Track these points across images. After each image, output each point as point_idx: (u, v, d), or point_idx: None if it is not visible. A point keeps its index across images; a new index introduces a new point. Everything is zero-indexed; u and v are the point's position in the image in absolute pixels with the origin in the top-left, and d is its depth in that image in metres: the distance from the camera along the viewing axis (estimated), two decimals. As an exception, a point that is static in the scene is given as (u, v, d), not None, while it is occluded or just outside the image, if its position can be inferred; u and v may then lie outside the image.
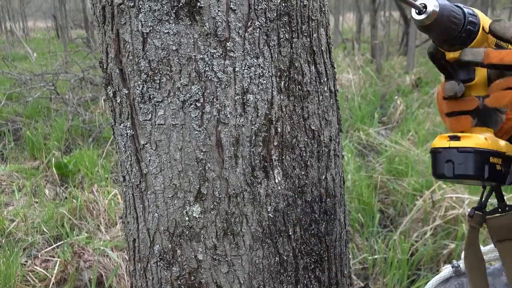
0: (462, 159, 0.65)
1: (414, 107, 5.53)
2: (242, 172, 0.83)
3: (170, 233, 0.87)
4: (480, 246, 0.82)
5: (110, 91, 0.88)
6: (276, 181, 0.86)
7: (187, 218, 0.85)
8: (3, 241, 2.48)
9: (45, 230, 2.65)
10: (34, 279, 2.16)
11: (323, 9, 0.90)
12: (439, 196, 2.77)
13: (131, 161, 0.88)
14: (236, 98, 0.80)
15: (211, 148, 0.81)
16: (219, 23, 0.77)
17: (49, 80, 5.43)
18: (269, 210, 0.86)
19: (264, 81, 0.81)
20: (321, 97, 0.90)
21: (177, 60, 0.78)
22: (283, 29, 0.82)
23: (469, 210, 2.47)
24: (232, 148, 0.82)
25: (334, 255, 0.98)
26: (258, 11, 0.78)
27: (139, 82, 0.81)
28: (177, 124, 0.81)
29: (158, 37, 0.78)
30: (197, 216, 0.85)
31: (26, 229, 2.65)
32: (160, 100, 0.80)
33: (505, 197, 0.71)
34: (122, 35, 0.80)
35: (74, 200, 2.87)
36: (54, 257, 2.33)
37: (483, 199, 0.73)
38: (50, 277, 2.14)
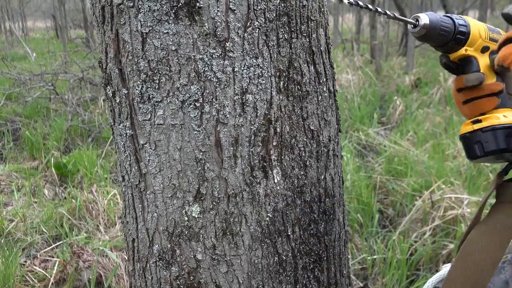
0: (487, 138, 0.73)
1: (414, 107, 5.53)
2: (241, 172, 0.83)
3: (169, 233, 0.87)
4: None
5: (109, 91, 0.88)
6: (275, 181, 0.86)
7: (186, 218, 0.85)
8: (2, 241, 2.48)
9: (44, 230, 2.65)
10: (33, 279, 2.16)
11: (322, 9, 0.90)
12: (438, 196, 2.77)
13: (130, 161, 0.88)
14: (235, 98, 0.80)
15: (210, 148, 0.81)
16: (218, 23, 0.77)
17: (48, 80, 5.43)
18: (268, 210, 0.86)
19: (263, 81, 0.81)
20: (320, 97, 0.91)
21: (177, 60, 0.78)
22: (282, 30, 0.82)
23: (468, 210, 2.46)
24: (231, 148, 0.82)
25: (333, 255, 0.99)
26: (258, 11, 0.78)
27: (139, 82, 0.81)
28: (176, 124, 0.81)
29: (157, 37, 0.78)
30: (196, 216, 0.85)
31: (25, 229, 2.65)
32: (159, 100, 0.81)
33: None
34: (122, 35, 0.81)
35: (73, 200, 2.87)
36: (53, 257, 2.33)
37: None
38: (49, 277, 2.14)
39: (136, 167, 0.87)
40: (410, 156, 3.54)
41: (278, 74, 0.83)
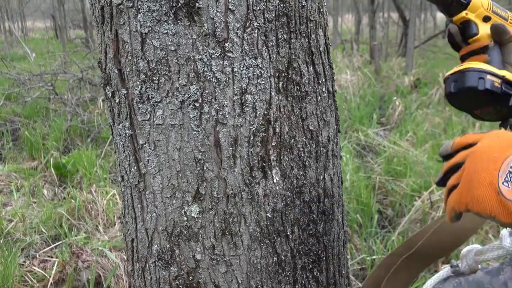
0: (462, 76, 0.78)
1: (413, 108, 5.53)
2: (240, 172, 0.83)
3: (168, 233, 0.87)
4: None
5: (108, 91, 0.88)
6: (274, 181, 0.86)
7: (185, 218, 0.85)
8: (1, 242, 2.48)
9: (43, 230, 2.64)
10: (32, 279, 2.16)
11: (322, 10, 0.90)
12: (437, 196, 2.77)
13: (129, 161, 0.88)
14: (234, 98, 0.80)
15: (209, 148, 0.81)
16: (217, 24, 0.77)
17: (47, 80, 5.42)
18: (267, 210, 0.86)
19: (263, 82, 0.81)
20: (319, 97, 0.91)
21: (176, 61, 0.78)
22: (281, 30, 0.82)
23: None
24: (231, 148, 0.82)
25: (332, 255, 0.99)
26: (257, 11, 0.79)
27: (138, 82, 0.81)
28: (176, 124, 0.81)
29: (157, 37, 0.78)
30: (195, 216, 0.85)
31: (24, 229, 2.64)
32: (158, 100, 0.81)
33: None
34: (121, 35, 0.81)
35: (72, 200, 2.86)
36: (52, 257, 2.33)
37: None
38: (48, 277, 2.14)
39: (135, 167, 0.87)
40: (409, 157, 3.54)
41: (277, 74, 0.83)
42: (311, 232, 0.93)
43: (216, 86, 0.79)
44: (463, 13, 0.81)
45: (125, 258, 2.09)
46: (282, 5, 0.81)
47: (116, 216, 2.76)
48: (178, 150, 0.82)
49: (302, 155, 0.89)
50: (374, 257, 2.40)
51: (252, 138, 0.83)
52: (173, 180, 0.84)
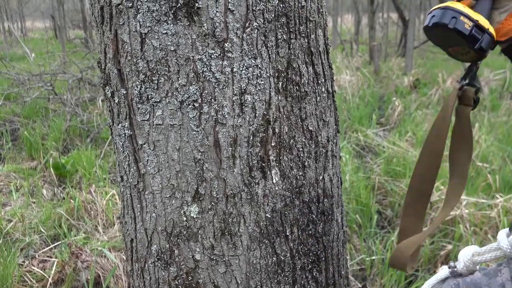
0: (439, 12, 0.83)
1: (412, 108, 5.54)
2: (239, 173, 0.83)
3: (167, 233, 0.87)
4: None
5: (108, 91, 0.88)
6: (274, 181, 0.86)
7: (184, 218, 0.85)
8: (1, 242, 2.48)
9: (42, 230, 2.64)
10: (32, 279, 2.16)
11: (321, 10, 0.90)
12: (436, 197, 2.78)
13: (129, 161, 0.88)
14: (234, 98, 0.80)
15: (209, 149, 0.81)
16: (217, 24, 0.77)
17: (47, 80, 5.42)
18: (266, 210, 0.86)
19: (262, 82, 0.81)
20: (318, 98, 0.91)
21: (175, 61, 0.78)
22: (281, 30, 0.82)
23: (466, 211, 2.46)
24: (230, 148, 0.82)
25: (331, 255, 0.99)
26: (256, 12, 0.79)
27: (137, 83, 0.81)
28: (175, 124, 0.81)
29: (156, 37, 0.78)
30: (194, 216, 0.85)
31: (23, 229, 2.64)
32: (158, 100, 0.81)
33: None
34: (121, 35, 0.81)
35: (71, 200, 2.86)
36: (51, 258, 2.33)
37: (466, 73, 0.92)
38: (48, 277, 2.13)
39: (134, 167, 0.87)
40: (408, 157, 3.54)
41: (276, 74, 0.83)
42: (310, 232, 0.93)
43: (216, 86, 0.79)
44: None
45: (125, 258, 2.09)
46: (281, 5, 0.81)
47: (116, 216, 2.76)
48: (177, 150, 0.82)
49: (302, 155, 0.89)
50: (373, 257, 2.40)
51: (251, 138, 0.83)
52: (173, 180, 0.84)
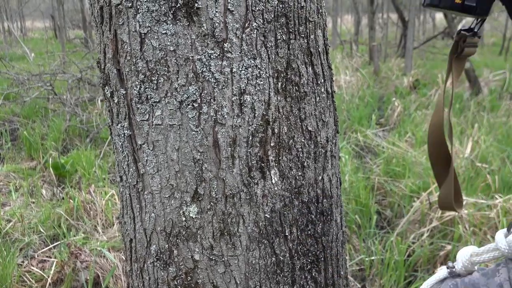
0: None
1: (412, 108, 5.54)
2: (239, 173, 0.83)
3: (166, 233, 0.87)
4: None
5: (107, 91, 0.88)
6: (273, 181, 0.86)
7: (183, 219, 0.85)
8: (0, 242, 2.47)
9: (41, 230, 2.64)
10: (31, 279, 2.16)
11: (321, 10, 0.90)
12: (436, 197, 2.78)
13: (128, 161, 0.88)
14: (233, 98, 0.80)
15: (208, 149, 0.81)
16: (216, 24, 0.77)
17: (46, 80, 5.42)
18: (265, 210, 0.86)
19: (261, 82, 0.82)
20: (318, 98, 0.91)
21: (175, 61, 0.78)
22: (280, 30, 0.82)
23: (465, 211, 2.47)
24: (229, 148, 0.82)
25: (330, 255, 0.99)
26: (256, 12, 0.79)
27: (137, 83, 0.81)
28: (174, 124, 0.81)
29: (155, 37, 0.78)
30: (194, 217, 0.85)
31: (22, 230, 2.64)
32: (157, 100, 0.81)
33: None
34: (120, 35, 0.81)
35: (71, 200, 2.86)
36: (50, 258, 2.33)
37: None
38: (47, 277, 2.13)
39: (134, 168, 0.87)
40: (408, 157, 3.54)
41: (276, 75, 0.83)
42: (309, 232, 0.93)
43: (215, 86, 0.79)
44: None
45: (124, 258, 2.09)
46: (281, 6, 0.81)
47: (115, 217, 2.76)
48: (176, 150, 0.82)
49: (301, 155, 0.89)
50: (372, 257, 2.40)
51: (250, 138, 0.83)
52: (172, 180, 0.84)
